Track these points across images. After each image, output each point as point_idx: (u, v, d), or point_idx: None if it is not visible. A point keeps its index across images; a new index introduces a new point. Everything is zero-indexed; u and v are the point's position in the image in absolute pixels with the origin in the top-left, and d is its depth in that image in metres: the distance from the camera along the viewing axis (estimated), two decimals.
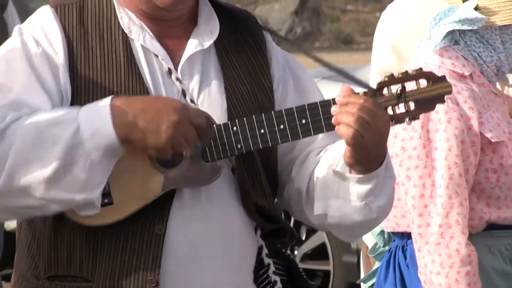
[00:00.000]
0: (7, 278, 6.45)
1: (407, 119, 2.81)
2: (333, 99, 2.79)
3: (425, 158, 3.36)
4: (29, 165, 2.71)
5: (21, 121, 2.75)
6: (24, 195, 2.75)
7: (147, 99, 2.81)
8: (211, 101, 2.92)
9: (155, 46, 2.94)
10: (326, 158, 2.93)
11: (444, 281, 3.34)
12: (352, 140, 2.73)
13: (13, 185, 2.72)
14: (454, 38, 3.49)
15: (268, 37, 3.08)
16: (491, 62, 3.39)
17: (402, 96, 2.80)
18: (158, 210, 2.83)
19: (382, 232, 3.67)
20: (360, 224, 2.95)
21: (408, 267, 3.54)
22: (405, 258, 3.56)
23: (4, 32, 5.88)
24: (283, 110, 2.83)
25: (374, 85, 2.90)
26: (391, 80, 2.81)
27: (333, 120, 2.76)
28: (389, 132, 2.81)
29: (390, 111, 2.80)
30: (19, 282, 3.00)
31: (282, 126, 2.82)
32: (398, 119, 2.81)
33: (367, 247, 4.28)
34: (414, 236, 3.46)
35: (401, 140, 3.31)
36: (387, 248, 3.67)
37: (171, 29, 2.98)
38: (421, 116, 3.01)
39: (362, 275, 4.50)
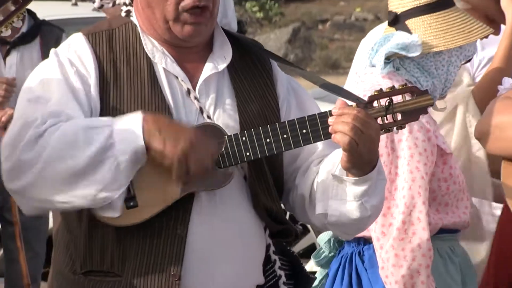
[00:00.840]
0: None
1: (395, 128, 2.86)
2: (330, 111, 2.80)
3: (390, 165, 3.34)
4: (62, 160, 2.71)
5: (58, 125, 2.75)
6: (54, 188, 2.73)
7: (172, 120, 2.81)
8: (225, 118, 2.92)
9: (176, 69, 2.93)
10: (325, 165, 2.94)
11: (406, 273, 3.31)
12: (348, 146, 2.74)
13: (46, 176, 2.71)
14: (395, 66, 3.45)
15: (273, 62, 3.08)
16: (426, 87, 3.37)
17: (390, 108, 2.82)
18: (180, 212, 2.80)
19: (329, 240, 3.62)
20: (356, 222, 2.94)
21: (366, 270, 3.48)
22: (363, 262, 3.50)
23: None
24: (286, 122, 2.85)
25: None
26: (380, 94, 2.84)
27: (330, 129, 2.75)
28: (379, 139, 2.81)
29: (379, 121, 2.81)
30: (56, 278, 3.01)
31: (285, 136, 2.83)
32: (387, 128, 2.84)
33: None
34: (376, 235, 3.38)
35: None
36: (331, 254, 3.61)
37: (189, 54, 2.97)
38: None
39: None
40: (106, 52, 2.92)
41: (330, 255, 3.62)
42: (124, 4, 3.05)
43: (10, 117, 5.69)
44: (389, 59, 3.44)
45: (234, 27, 3.63)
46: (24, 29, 5.89)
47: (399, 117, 2.82)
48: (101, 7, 3.12)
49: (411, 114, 2.84)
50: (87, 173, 2.70)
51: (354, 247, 3.50)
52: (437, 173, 3.39)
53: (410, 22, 3.42)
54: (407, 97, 2.84)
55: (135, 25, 2.95)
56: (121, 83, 2.89)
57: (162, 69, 2.92)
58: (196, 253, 2.86)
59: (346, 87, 3.58)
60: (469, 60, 3.72)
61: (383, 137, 3.27)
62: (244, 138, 2.82)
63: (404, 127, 2.88)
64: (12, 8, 2.79)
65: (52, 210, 2.97)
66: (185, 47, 2.94)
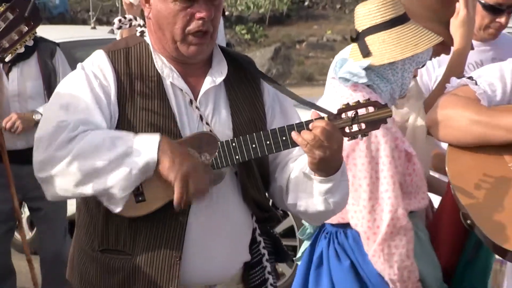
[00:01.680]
0: None
1: (359, 136, 2.86)
2: (306, 122, 2.80)
3: (371, 171, 3.32)
4: (87, 159, 2.71)
5: (88, 132, 2.75)
6: (76, 179, 2.73)
7: (182, 147, 2.79)
8: (221, 124, 2.92)
9: (181, 83, 2.92)
10: (299, 163, 2.96)
11: (399, 258, 3.29)
12: (313, 152, 2.75)
13: (71, 168, 2.71)
14: (357, 78, 3.45)
15: (262, 77, 3.08)
16: (386, 91, 3.37)
17: (355, 119, 2.82)
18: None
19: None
20: (321, 213, 2.94)
21: (351, 248, 3.46)
22: (347, 239, 3.47)
23: (54, 75, 5.84)
24: (269, 131, 2.84)
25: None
26: (347, 107, 2.84)
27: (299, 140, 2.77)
28: (342, 148, 2.82)
29: (347, 129, 2.81)
30: (77, 254, 3.02)
31: (268, 142, 2.83)
32: (353, 136, 2.84)
33: None
34: (363, 229, 3.36)
35: (352, 158, 3.31)
36: (314, 231, 3.61)
37: (192, 69, 2.95)
38: (369, 134, 3.01)
39: None
40: (123, 67, 2.91)
41: (312, 232, 3.60)
42: (139, 25, 3.04)
43: (14, 122, 5.71)
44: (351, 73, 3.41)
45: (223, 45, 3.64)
46: (21, 49, 5.84)
47: (363, 126, 2.82)
48: (119, 28, 3.12)
49: (373, 124, 2.84)
50: (104, 173, 2.70)
51: (338, 227, 3.48)
52: (404, 170, 3.39)
53: (368, 39, 3.39)
54: (371, 109, 2.84)
55: (148, 44, 2.95)
56: (135, 94, 2.88)
57: (169, 83, 2.91)
58: (194, 237, 2.85)
59: (326, 94, 3.57)
60: (424, 65, 3.70)
61: (363, 148, 3.29)
62: (234, 144, 2.82)
63: (367, 135, 2.88)
64: (25, 29, 2.74)
65: (70, 197, 2.94)
66: (189, 64, 2.93)
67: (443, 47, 3.77)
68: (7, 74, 5.79)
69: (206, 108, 2.93)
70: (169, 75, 2.91)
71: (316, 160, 2.76)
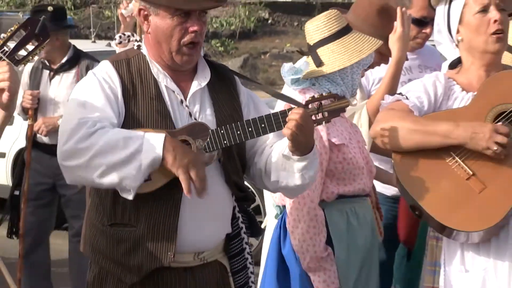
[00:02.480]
0: None
1: (323, 122, 2.89)
2: (281, 112, 2.83)
3: None
4: (105, 156, 2.69)
5: (105, 130, 2.74)
6: (95, 171, 2.72)
7: (183, 145, 2.80)
8: (207, 119, 2.92)
9: (173, 86, 2.93)
10: (277, 148, 2.97)
11: (300, 233, 3.29)
12: (291, 137, 2.77)
13: (92, 163, 2.70)
14: (312, 82, 3.41)
15: (236, 79, 3.11)
16: (337, 93, 3.36)
17: (320, 108, 2.85)
18: (177, 184, 2.75)
19: (277, 206, 3.56)
20: (299, 187, 2.95)
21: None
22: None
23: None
24: (250, 119, 2.85)
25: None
26: (313, 99, 2.88)
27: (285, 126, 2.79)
28: (313, 131, 2.85)
29: (314, 117, 2.84)
30: (89, 228, 3.01)
31: (250, 129, 2.83)
32: (318, 122, 2.87)
33: None
34: (288, 206, 3.38)
35: None
36: (279, 213, 3.55)
37: (182, 75, 2.96)
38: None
39: None
40: (126, 73, 2.91)
41: (279, 213, 3.56)
42: (136, 40, 3.06)
43: (40, 127, 5.68)
44: (306, 78, 3.40)
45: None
46: (65, 59, 5.77)
47: (326, 114, 2.85)
48: (120, 42, 3.13)
49: (334, 112, 2.87)
50: (119, 167, 2.70)
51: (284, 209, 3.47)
52: (333, 158, 3.34)
53: (319, 50, 3.38)
54: (331, 100, 2.88)
55: (144, 55, 2.95)
56: (137, 95, 2.88)
57: (164, 86, 2.92)
58: (187, 212, 2.86)
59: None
60: (371, 67, 3.71)
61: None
62: (222, 131, 2.83)
63: (330, 121, 2.91)
64: (36, 44, 2.74)
65: (87, 185, 2.97)
66: (180, 70, 2.94)
67: (382, 57, 3.79)
68: (50, 80, 5.77)
69: (194, 106, 2.94)
70: (164, 79, 2.92)
71: (295, 141, 2.78)
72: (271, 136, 2.97)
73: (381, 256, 3.63)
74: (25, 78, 5.82)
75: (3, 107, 2.65)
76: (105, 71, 2.91)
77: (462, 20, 3.16)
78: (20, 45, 2.70)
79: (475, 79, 3.19)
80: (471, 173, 3.05)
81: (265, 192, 3.90)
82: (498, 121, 3.07)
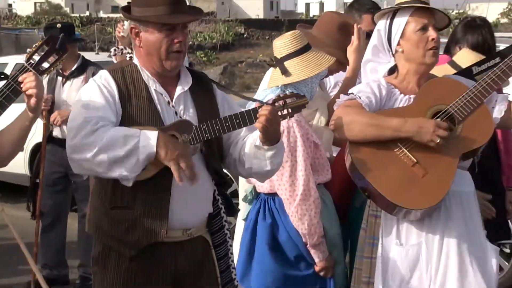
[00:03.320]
0: None
1: (288, 117, 2.88)
2: (252, 109, 2.82)
3: (291, 157, 3.31)
4: (108, 152, 2.68)
5: (107, 127, 2.73)
6: (99, 165, 2.70)
7: (173, 140, 2.78)
8: (190, 118, 2.90)
9: (161, 90, 2.90)
10: (249, 140, 2.95)
11: (309, 218, 3.32)
12: (262, 129, 2.78)
13: (97, 158, 2.69)
14: (282, 89, 3.41)
15: (214, 85, 3.08)
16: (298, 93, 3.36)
17: (285, 106, 2.84)
18: (167, 172, 2.73)
19: (251, 191, 3.59)
20: (268, 172, 2.96)
21: (277, 210, 3.43)
22: (275, 204, 3.45)
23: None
24: (227, 116, 2.84)
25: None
26: (279, 98, 2.87)
27: (257, 121, 2.80)
28: (280, 125, 2.86)
29: (280, 113, 2.83)
30: (93, 211, 2.98)
31: (227, 124, 2.81)
32: (283, 117, 2.86)
33: None
34: (286, 197, 3.37)
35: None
36: (253, 198, 3.58)
37: (168, 81, 2.93)
38: (289, 130, 3.18)
39: None
40: (121, 80, 2.88)
41: (252, 198, 3.58)
42: (128, 53, 3.05)
43: (55, 117, 5.66)
44: (277, 86, 3.43)
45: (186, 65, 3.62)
46: (75, 67, 5.76)
47: (290, 110, 2.85)
48: (115, 54, 3.11)
49: (296, 109, 2.87)
50: (120, 161, 2.69)
51: (269, 195, 3.48)
52: (314, 155, 3.39)
53: (286, 63, 3.38)
54: (293, 99, 2.87)
55: (136, 65, 2.92)
56: (131, 98, 2.86)
57: (154, 90, 2.89)
58: (176, 195, 2.84)
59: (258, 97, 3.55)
60: (330, 73, 3.74)
61: (285, 140, 3.30)
62: (204, 127, 2.81)
63: (293, 116, 2.91)
64: (56, 57, 2.77)
65: (91, 175, 2.96)
66: (167, 76, 2.92)
67: (341, 66, 3.77)
68: (63, 85, 5.76)
69: (179, 107, 2.91)
70: (153, 84, 2.90)
71: (265, 133, 2.78)
72: (244, 130, 2.96)
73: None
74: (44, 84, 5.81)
75: (31, 110, 2.72)
76: (104, 78, 2.88)
77: (404, 35, 3.16)
78: (44, 58, 2.73)
79: (409, 84, 3.20)
80: (415, 161, 3.06)
81: (240, 178, 3.88)
82: (437, 118, 3.09)
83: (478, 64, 3.55)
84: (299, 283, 3.45)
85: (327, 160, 3.49)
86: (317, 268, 3.42)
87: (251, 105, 3.04)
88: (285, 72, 3.37)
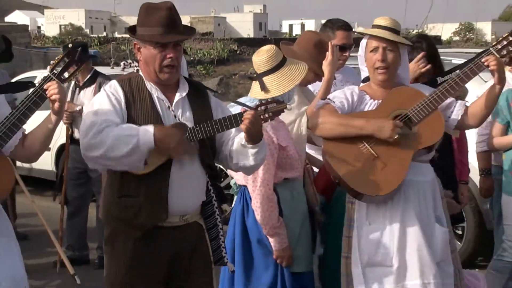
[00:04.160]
0: None
1: (269, 120, 2.87)
2: (238, 113, 2.82)
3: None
4: (115, 149, 2.69)
5: (110, 128, 2.73)
6: (109, 160, 2.73)
7: (169, 127, 2.79)
8: (188, 121, 2.88)
9: (162, 96, 2.90)
10: (237, 139, 2.94)
11: (260, 205, 3.31)
12: (246, 131, 2.79)
13: (107, 155, 2.71)
14: (261, 100, 3.43)
15: (208, 92, 3.06)
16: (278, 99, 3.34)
17: (266, 110, 2.83)
18: (167, 166, 2.77)
19: (235, 184, 3.57)
20: (253, 166, 2.94)
21: (249, 198, 3.39)
22: (248, 194, 3.41)
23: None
24: (217, 119, 2.84)
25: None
26: (261, 104, 2.86)
27: (242, 123, 2.80)
28: (262, 126, 2.85)
29: (262, 117, 2.82)
30: (105, 199, 2.97)
31: (217, 126, 2.81)
32: (265, 120, 2.85)
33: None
34: (250, 189, 3.35)
35: None
36: (237, 189, 3.56)
37: (168, 89, 2.92)
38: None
39: None
40: (128, 88, 2.88)
41: (237, 190, 3.56)
42: (135, 66, 3.04)
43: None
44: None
45: (186, 76, 3.58)
46: (87, 78, 5.79)
47: (270, 114, 2.85)
48: (123, 68, 3.12)
49: (276, 113, 2.86)
50: (126, 157, 2.70)
51: (244, 187, 3.46)
52: (280, 155, 3.35)
53: (264, 79, 3.35)
54: (274, 104, 2.86)
55: (141, 76, 2.92)
56: (136, 104, 2.85)
57: (156, 97, 2.88)
58: (175, 185, 2.83)
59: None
60: (308, 83, 3.71)
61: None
62: (197, 128, 2.81)
63: (274, 119, 2.91)
64: (75, 67, 2.77)
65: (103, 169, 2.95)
66: (166, 85, 2.91)
67: (317, 77, 3.77)
68: (78, 92, 5.79)
69: (178, 111, 2.90)
70: (155, 92, 2.89)
71: (249, 134, 2.79)
72: (233, 131, 2.95)
73: (323, 219, 3.63)
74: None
75: (55, 113, 2.75)
76: (113, 87, 2.88)
77: (365, 54, 3.24)
78: (65, 69, 2.75)
79: (377, 92, 3.25)
80: (376, 155, 3.10)
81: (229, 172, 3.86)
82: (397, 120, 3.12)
83: (442, 75, 3.63)
84: (260, 266, 3.38)
85: (297, 160, 3.43)
86: (274, 255, 3.35)
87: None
88: (264, 88, 3.32)
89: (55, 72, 2.72)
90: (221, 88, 26.17)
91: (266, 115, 2.83)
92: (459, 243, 5.44)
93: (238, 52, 36.52)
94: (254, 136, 2.82)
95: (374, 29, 3.20)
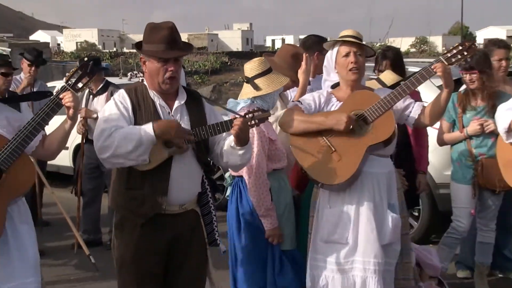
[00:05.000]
0: None
1: (255, 126, 2.85)
2: (229, 120, 2.80)
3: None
4: (122, 146, 2.68)
5: (117, 131, 2.71)
6: (119, 158, 2.71)
7: (165, 120, 2.77)
8: (186, 125, 2.85)
9: (163, 103, 2.86)
10: (227, 141, 2.92)
11: (256, 190, 3.30)
12: (235, 135, 2.78)
13: (116, 153, 2.69)
14: (252, 100, 3.34)
15: (203, 99, 3.03)
16: (266, 107, 3.34)
17: (253, 118, 2.81)
18: (167, 163, 2.75)
19: (229, 176, 3.52)
20: (239, 165, 2.94)
21: (244, 187, 3.36)
22: (242, 183, 3.40)
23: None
24: (210, 124, 2.81)
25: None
26: (249, 112, 2.83)
27: (232, 128, 2.78)
28: (249, 132, 2.83)
29: (249, 123, 2.81)
30: (113, 191, 2.94)
31: (210, 130, 2.79)
32: (252, 126, 2.83)
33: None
34: (246, 177, 3.30)
35: None
36: (231, 181, 3.52)
37: (168, 97, 2.89)
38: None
39: None
40: (134, 97, 2.85)
41: (230, 181, 3.53)
42: (141, 77, 3.00)
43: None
44: (248, 98, 3.38)
45: (184, 85, 3.55)
46: (100, 87, 5.74)
47: (256, 121, 2.83)
48: (130, 78, 3.07)
49: (262, 120, 2.84)
50: (133, 152, 2.68)
51: (238, 177, 3.44)
52: (271, 148, 3.35)
53: (256, 80, 3.35)
54: (260, 113, 2.84)
55: (146, 85, 2.89)
56: (141, 110, 2.81)
57: (158, 104, 2.85)
58: (174, 179, 2.80)
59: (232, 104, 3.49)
60: (288, 89, 3.71)
61: (250, 136, 3.22)
62: (193, 132, 2.78)
63: (259, 125, 2.89)
64: (87, 78, 2.74)
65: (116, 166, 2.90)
66: (166, 94, 2.87)
67: (294, 83, 3.76)
68: (92, 100, 5.73)
69: (177, 116, 2.86)
70: (158, 100, 2.86)
71: (238, 138, 2.77)
72: (224, 134, 2.91)
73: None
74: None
75: (69, 118, 2.73)
76: (122, 96, 2.85)
77: (337, 60, 3.22)
78: (78, 79, 2.71)
79: (345, 94, 3.23)
80: (333, 149, 3.08)
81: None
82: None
83: (405, 80, 3.64)
84: (254, 245, 3.36)
85: (283, 152, 3.43)
86: (266, 235, 3.33)
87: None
88: (256, 87, 3.30)
89: (70, 82, 2.68)
90: (215, 94, 26.13)
91: (253, 122, 2.80)
92: (416, 223, 5.48)
93: (228, 63, 36.48)
94: (242, 140, 2.80)
95: (344, 38, 3.17)
